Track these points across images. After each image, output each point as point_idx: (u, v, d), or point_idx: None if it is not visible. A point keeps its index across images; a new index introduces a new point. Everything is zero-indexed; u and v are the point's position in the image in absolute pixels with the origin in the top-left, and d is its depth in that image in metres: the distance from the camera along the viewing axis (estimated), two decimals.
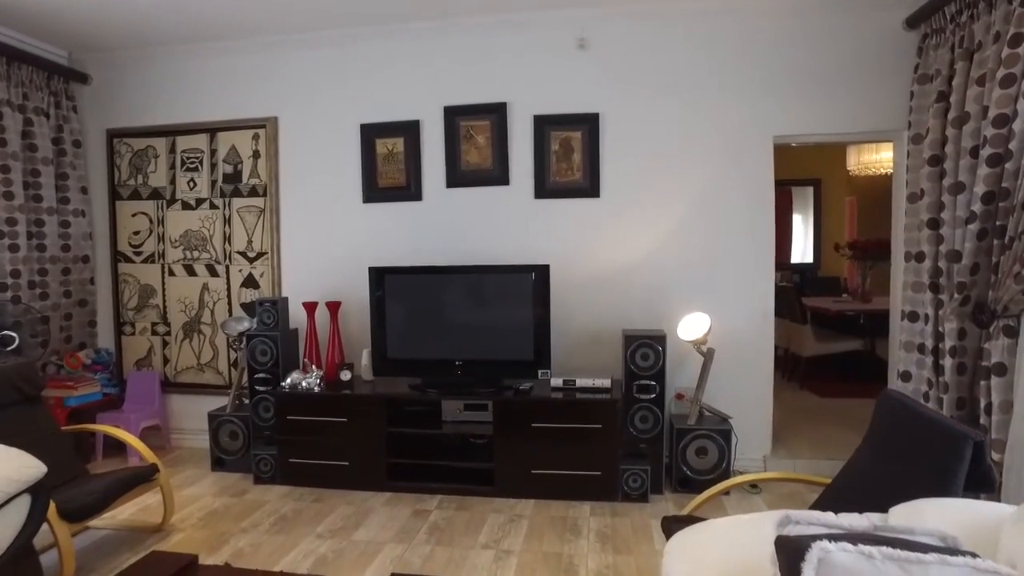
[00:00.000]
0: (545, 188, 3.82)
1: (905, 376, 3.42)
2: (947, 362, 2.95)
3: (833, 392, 5.38)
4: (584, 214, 3.81)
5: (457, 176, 3.91)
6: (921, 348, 3.35)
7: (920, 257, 3.37)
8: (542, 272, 3.50)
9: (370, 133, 3.99)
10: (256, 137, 4.11)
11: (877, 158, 5.79)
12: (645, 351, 3.37)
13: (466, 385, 3.56)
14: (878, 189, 8.70)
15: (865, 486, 1.94)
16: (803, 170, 7.78)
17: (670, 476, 3.49)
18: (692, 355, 3.63)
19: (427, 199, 3.97)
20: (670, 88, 3.72)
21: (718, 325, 3.53)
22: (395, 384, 3.70)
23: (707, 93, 3.70)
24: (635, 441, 3.42)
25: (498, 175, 3.86)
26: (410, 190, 3.97)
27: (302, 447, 3.58)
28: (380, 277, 3.65)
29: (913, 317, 3.40)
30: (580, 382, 3.48)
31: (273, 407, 3.65)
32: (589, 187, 3.79)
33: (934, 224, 3.19)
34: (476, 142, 3.88)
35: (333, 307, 3.86)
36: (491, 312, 3.59)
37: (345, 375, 3.75)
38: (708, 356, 3.47)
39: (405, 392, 3.60)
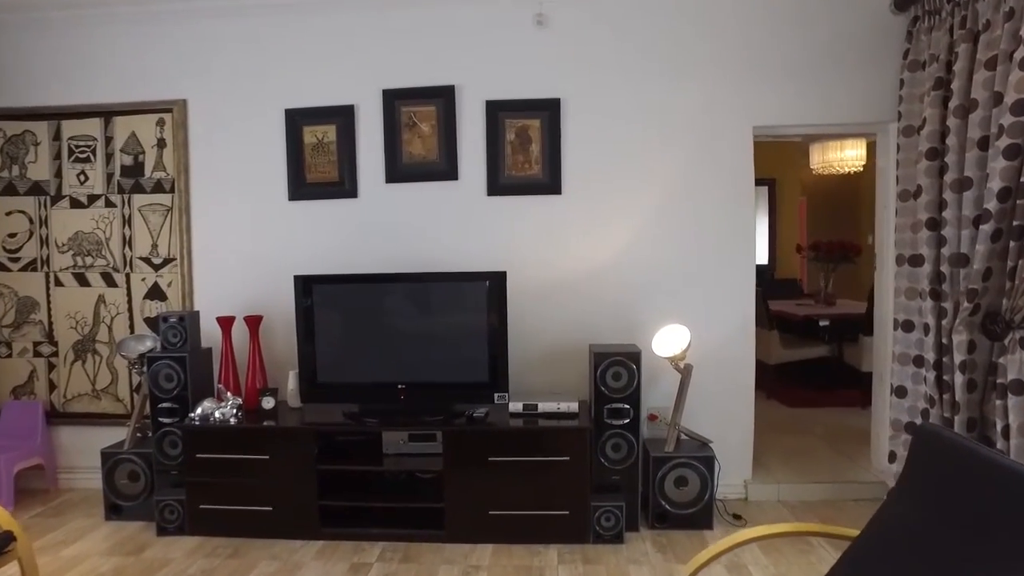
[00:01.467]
0: (499, 183, 3.36)
1: (899, 391, 3.10)
2: (956, 379, 2.63)
3: (802, 401, 5.11)
4: (544, 213, 3.36)
5: (398, 170, 3.40)
6: (918, 361, 3.03)
7: (916, 261, 3.05)
8: (498, 280, 3.03)
9: (297, 119, 3.45)
10: (161, 123, 3.50)
11: (841, 156, 5.57)
12: (617, 370, 2.94)
13: (411, 412, 3.06)
14: (830, 190, 8.64)
15: (920, 554, 1.55)
16: (758, 169, 7.55)
17: (646, 511, 3.08)
18: (666, 370, 3.23)
19: (364, 196, 3.44)
20: (640, 72, 3.31)
21: (695, 336, 3.13)
22: (327, 412, 3.17)
23: (681, 78, 3.31)
24: (607, 473, 2.99)
25: (445, 169, 3.37)
26: (344, 186, 3.44)
27: (216, 490, 3.00)
28: (308, 287, 3.11)
29: (908, 327, 3.08)
30: (543, 406, 3.03)
31: (180, 442, 3.06)
32: (549, 182, 3.34)
33: (934, 224, 2.87)
34: (420, 131, 3.38)
35: (253, 322, 3.30)
36: (439, 327, 3.10)
37: (267, 403, 3.19)
38: (686, 373, 3.07)
39: (339, 422, 3.08)
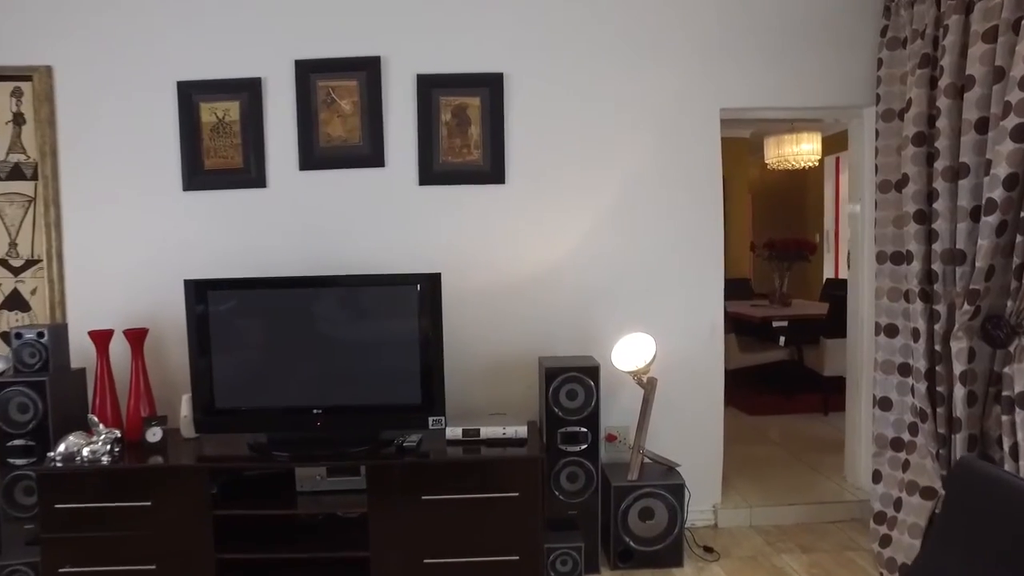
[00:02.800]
0: (433, 171, 2.89)
1: (883, 403, 2.78)
2: (956, 391, 2.31)
3: (762, 408, 4.83)
4: (486, 206, 2.92)
5: (315, 155, 2.89)
6: (904, 369, 2.72)
7: (901, 258, 2.75)
8: (431, 283, 2.56)
9: (192, 94, 2.89)
10: (18, 94, 2.88)
11: (796, 150, 5.33)
12: (572, 388, 2.52)
13: (330, 442, 2.56)
14: (776, 187, 8.52)
15: None
16: None
17: (608, 548, 2.67)
18: (626, 383, 2.83)
19: (273, 186, 2.91)
20: (595, 45, 2.91)
21: (659, 345, 2.74)
22: (229, 444, 2.63)
23: (642, 54, 2.92)
24: (562, 507, 2.57)
25: (370, 154, 2.88)
26: (249, 173, 2.91)
27: (82, 548, 2.43)
28: (202, 293, 2.57)
29: (892, 331, 2.77)
30: (487, 431, 2.58)
31: (36, 490, 2.47)
32: (491, 170, 2.90)
33: (923, 217, 2.57)
34: (340, 109, 2.88)
35: (135, 337, 2.73)
36: (363, 340, 2.61)
37: (153, 435, 2.63)
38: (650, 388, 2.68)
39: (242, 455, 2.55)
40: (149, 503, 2.42)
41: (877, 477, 2.78)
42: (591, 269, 2.94)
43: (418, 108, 2.87)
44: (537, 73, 2.89)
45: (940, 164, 2.45)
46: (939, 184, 2.46)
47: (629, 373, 2.64)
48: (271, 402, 2.60)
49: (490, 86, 2.87)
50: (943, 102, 2.44)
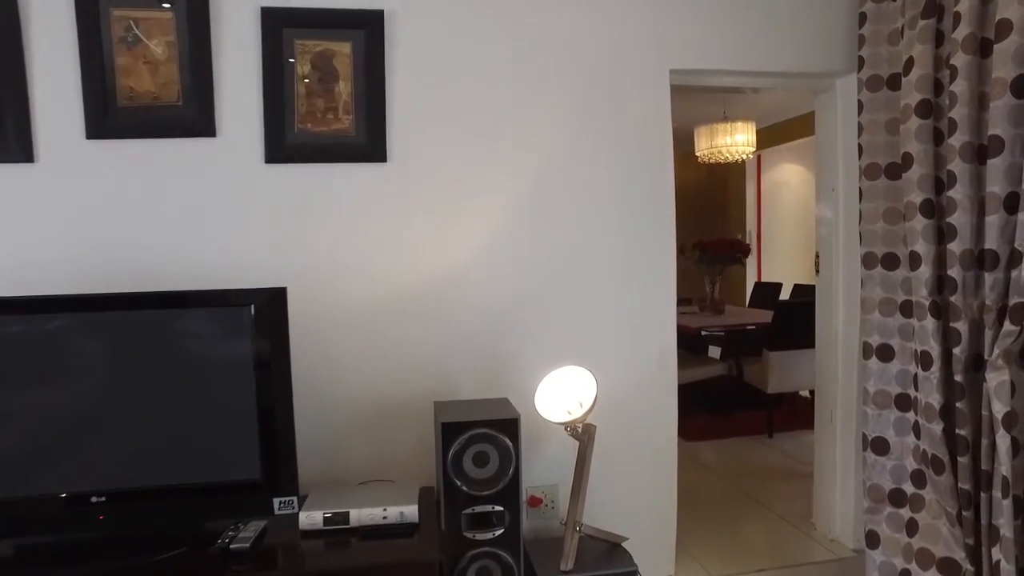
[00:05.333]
0: (286, 145, 2.07)
1: (878, 445, 2.19)
2: (1001, 442, 1.72)
3: (700, 432, 4.25)
4: (360, 193, 2.12)
5: (109, 118, 2.00)
6: (903, 402, 2.14)
7: (896, 262, 2.17)
8: (273, 302, 1.74)
9: None
10: None
11: (731, 141, 4.83)
12: (482, 450, 1.77)
13: (118, 545, 1.69)
14: (696, 184, 8.13)
15: None
16: None
17: None
18: (553, 427, 2.12)
19: (46, 161, 1.99)
20: None
21: (597, 379, 2.03)
22: None
23: None
24: None
25: (193, 118, 2.02)
26: (6, 142, 1.98)
27: None
28: None
29: (886, 354, 2.19)
30: (360, 515, 1.78)
31: None
32: (367, 144, 2.11)
33: (930, 209, 1.99)
34: (148, 52, 2.00)
35: None
36: (171, 389, 1.75)
37: None
38: (587, 440, 1.96)
39: None
40: None
41: (873, 540, 2.18)
42: (505, 279, 2.20)
43: (263, 55, 2.04)
44: (432, 11, 2.13)
45: (956, 140, 1.88)
46: (956, 166, 1.88)
47: (561, 424, 1.91)
48: (26, 489, 1.70)
49: (366, 27, 2.07)
50: (960, 59, 1.87)
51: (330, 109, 2.09)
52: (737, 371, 4.43)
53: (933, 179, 1.99)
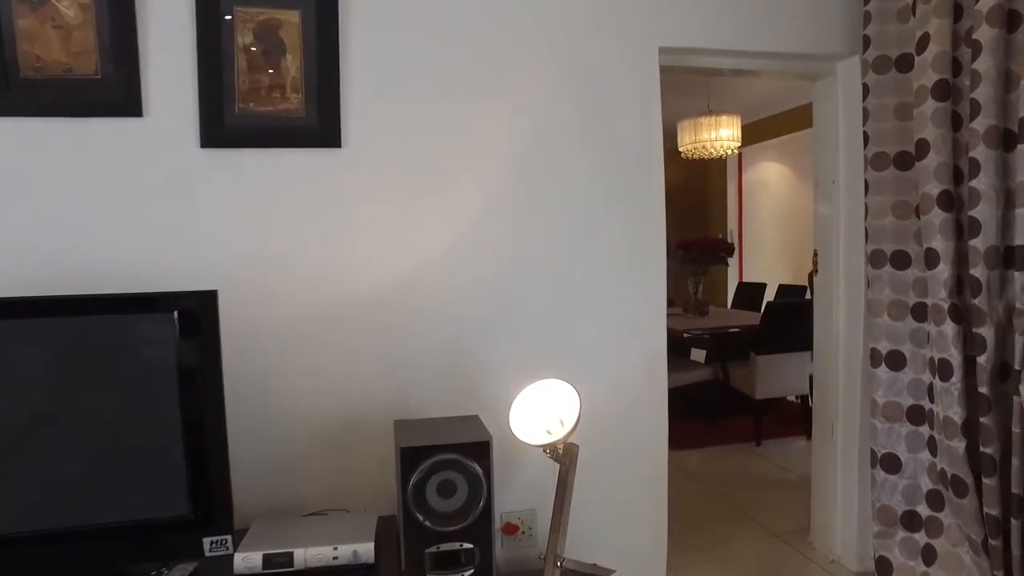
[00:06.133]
0: (224, 127, 1.80)
1: (889, 463, 1.99)
2: None
3: (686, 440, 4.05)
4: (310, 182, 1.86)
5: (10, 93, 1.71)
6: (915, 415, 1.95)
7: (906, 261, 1.97)
8: (203, 307, 1.48)
9: None
10: None
11: (715, 136, 4.64)
12: (448, 479, 1.52)
13: None
14: (678, 181, 7.95)
15: None
16: None
17: None
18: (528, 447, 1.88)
19: None
20: None
21: (580, 392, 1.80)
22: None
23: None
24: None
25: (115, 94, 1.75)
26: None
27: None
28: None
29: (896, 362, 1.99)
30: (305, 556, 1.53)
31: None
32: (319, 127, 1.85)
33: (948, 202, 1.79)
34: (58, 14, 1.72)
35: None
36: (82, 411, 1.47)
37: None
38: (569, 463, 1.73)
39: None
40: None
41: (885, 568, 1.98)
42: (477, 281, 1.96)
43: (198, 24, 1.77)
44: None
45: (980, 124, 1.68)
46: (979, 152, 1.69)
47: (541, 447, 1.67)
48: None
49: None
50: (985, 33, 1.67)
51: (276, 87, 1.83)
52: (723, 376, 4.24)
53: (952, 168, 1.79)
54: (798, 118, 6.11)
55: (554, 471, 1.78)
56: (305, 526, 1.66)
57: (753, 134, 6.48)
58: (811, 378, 4.13)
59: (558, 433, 1.66)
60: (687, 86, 4.74)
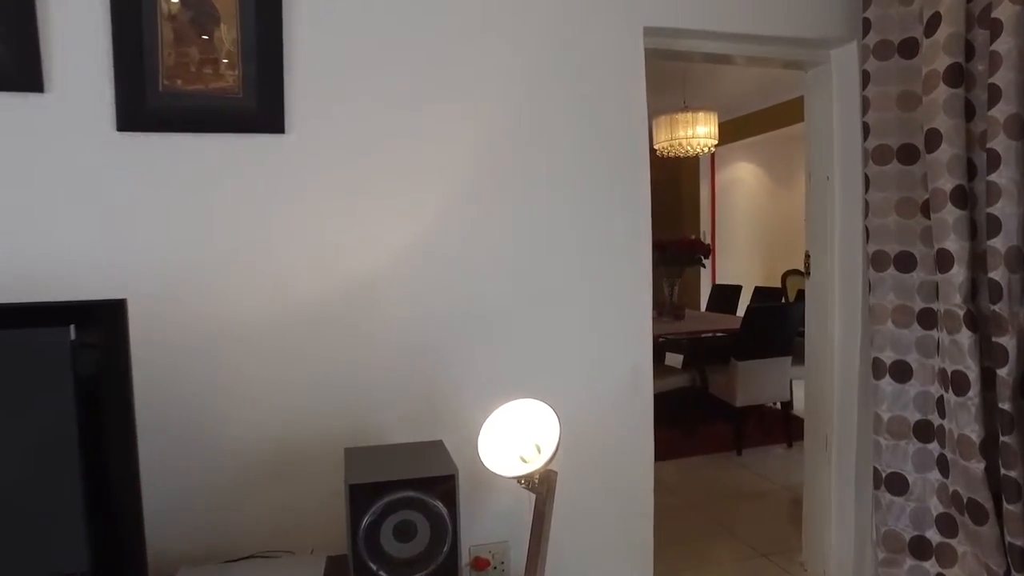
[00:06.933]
0: (146, 108, 1.54)
1: (894, 483, 1.82)
2: None
3: (665, 451, 3.86)
4: (249, 173, 1.61)
5: None
6: (923, 431, 1.78)
7: (911, 263, 1.81)
8: (108, 319, 1.23)
9: None
10: None
11: (691, 134, 4.48)
12: (407, 519, 1.29)
13: None
14: (652, 182, 7.85)
15: None
16: None
17: None
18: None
19: None
20: None
21: (558, 411, 1.59)
22: None
23: None
24: None
25: (9, 64, 1.48)
26: None
27: None
28: None
29: (901, 373, 1.82)
30: None
31: None
32: (259, 109, 1.60)
33: (963, 198, 1.63)
34: None
35: None
36: None
37: None
38: (546, 493, 1.51)
39: None
40: None
41: None
42: (440, 286, 1.73)
43: None
44: None
45: (1001, 111, 1.52)
46: (999, 143, 1.52)
47: (515, 479, 1.46)
48: None
49: None
50: (1006, 10, 1.51)
51: (208, 61, 1.58)
52: (701, 382, 4.07)
53: (966, 161, 1.63)
54: (773, 118, 6.01)
55: (529, 498, 1.56)
56: (240, 573, 1.42)
57: (726, 134, 6.37)
58: (791, 383, 4.03)
59: (535, 462, 1.45)
60: (663, 81, 4.59)
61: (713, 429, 4.13)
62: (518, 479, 1.45)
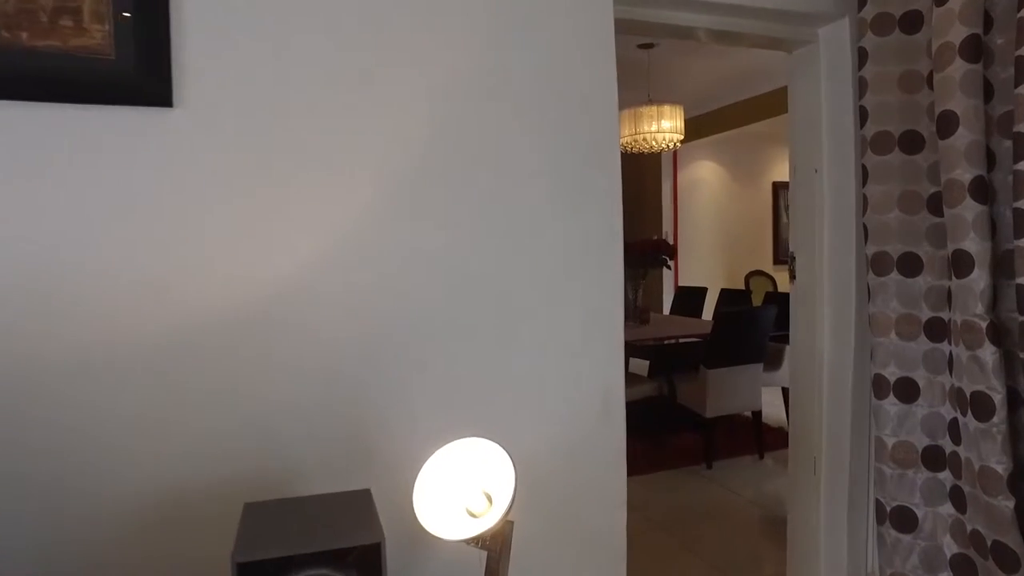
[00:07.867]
0: None
1: (900, 519, 1.59)
2: None
3: (634, 465, 3.58)
4: (124, 158, 1.28)
5: None
6: (933, 459, 1.56)
7: (917, 265, 1.58)
8: None
9: None
10: None
11: (656, 128, 4.26)
12: None
13: None
14: None
15: None
16: None
17: None
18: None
19: None
20: None
21: (510, 445, 1.30)
22: None
23: None
24: None
25: None
26: None
27: None
28: None
29: (907, 392, 1.59)
30: None
31: None
32: (137, 76, 1.27)
33: (982, 191, 1.40)
34: None
35: None
36: None
37: None
38: (501, 547, 1.23)
39: None
40: None
41: None
42: (368, 297, 1.42)
43: None
44: None
45: None
46: None
47: (464, 542, 1.16)
48: None
49: None
50: None
51: (67, 11, 1.24)
52: (669, 391, 3.84)
53: (986, 148, 1.41)
54: (736, 115, 5.86)
55: (480, 556, 1.27)
56: None
57: (688, 132, 6.21)
58: (760, 392, 3.84)
59: (485, 517, 1.16)
60: (627, 75, 4.36)
61: (682, 441, 3.91)
62: (472, 542, 1.15)
